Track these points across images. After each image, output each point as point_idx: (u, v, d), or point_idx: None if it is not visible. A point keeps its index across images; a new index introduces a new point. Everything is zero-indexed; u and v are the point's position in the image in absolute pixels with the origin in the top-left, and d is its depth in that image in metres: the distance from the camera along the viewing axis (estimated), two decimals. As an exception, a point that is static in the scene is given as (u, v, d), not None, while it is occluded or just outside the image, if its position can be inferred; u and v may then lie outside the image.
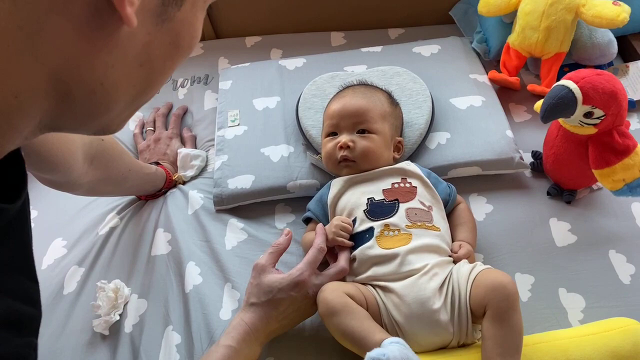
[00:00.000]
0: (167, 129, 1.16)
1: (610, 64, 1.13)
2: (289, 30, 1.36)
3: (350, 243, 0.80)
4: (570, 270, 0.85)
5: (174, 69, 0.44)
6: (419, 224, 0.79)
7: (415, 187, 0.84)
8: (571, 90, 0.78)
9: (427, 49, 1.17)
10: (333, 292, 0.72)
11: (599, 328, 0.74)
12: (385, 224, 0.79)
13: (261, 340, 0.74)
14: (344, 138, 0.87)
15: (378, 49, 1.20)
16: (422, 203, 0.82)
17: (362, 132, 0.88)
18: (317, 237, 0.81)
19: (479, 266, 0.74)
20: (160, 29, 0.39)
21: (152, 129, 1.17)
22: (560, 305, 0.82)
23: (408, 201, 0.82)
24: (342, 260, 0.79)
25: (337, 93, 0.97)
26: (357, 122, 0.88)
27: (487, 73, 1.12)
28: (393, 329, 0.73)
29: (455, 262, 0.78)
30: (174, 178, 1.07)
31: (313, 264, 0.77)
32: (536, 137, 1.01)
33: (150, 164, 1.05)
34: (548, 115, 0.81)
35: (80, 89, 0.37)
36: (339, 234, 0.80)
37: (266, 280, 0.75)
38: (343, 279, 0.80)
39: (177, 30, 0.40)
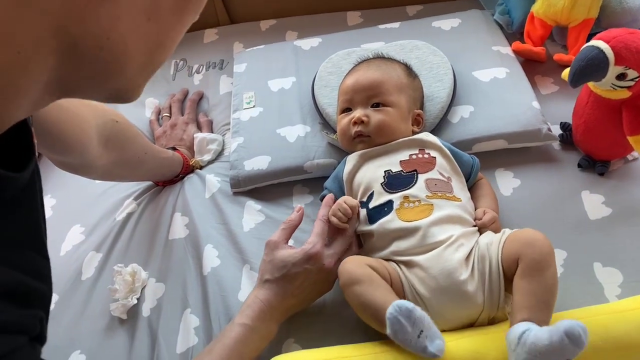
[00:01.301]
0: (183, 115, 1.15)
1: (643, 30, 1.07)
2: (304, 12, 1.34)
3: (344, 226, 0.77)
4: (605, 243, 0.80)
5: (184, 26, 0.42)
6: (440, 194, 0.76)
7: (434, 157, 0.81)
8: (602, 50, 0.73)
9: (447, 23, 1.13)
10: (355, 263, 0.70)
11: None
12: (405, 196, 0.76)
13: (277, 317, 0.72)
14: (357, 113, 0.84)
15: (396, 25, 1.16)
16: (441, 174, 0.79)
17: (376, 105, 0.84)
18: (322, 208, 0.79)
19: (509, 231, 0.71)
20: None
21: (168, 115, 1.16)
22: (595, 280, 0.77)
23: (427, 172, 0.78)
24: (349, 228, 0.78)
25: (352, 68, 0.93)
26: (371, 96, 0.85)
27: (510, 45, 1.07)
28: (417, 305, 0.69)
29: (480, 230, 0.75)
30: (191, 163, 1.05)
31: (322, 235, 0.76)
32: (565, 109, 0.96)
33: (167, 149, 1.04)
34: (577, 78, 0.76)
35: (87, 43, 0.35)
36: (336, 213, 0.77)
37: (279, 256, 0.74)
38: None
39: None
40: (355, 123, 0.84)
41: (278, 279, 0.72)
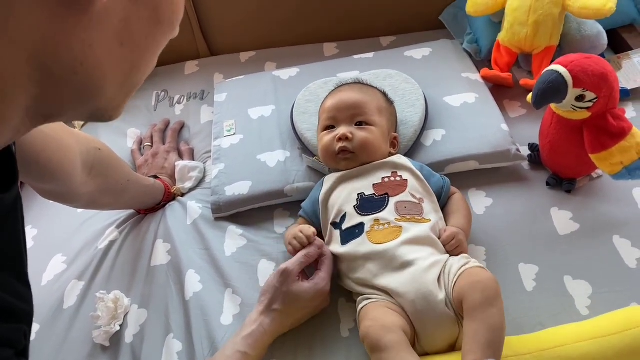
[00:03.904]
0: (164, 144, 1.17)
1: (602, 56, 1.14)
2: (283, 44, 1.38)
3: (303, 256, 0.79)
4: (574, 257, 0.84)
5: (158, 48, 0.43)
6: (409, 217, 0.79)
7: (406, 180, 0.84)
8: (561, 74, 0.78)
9: (418, 52, 1.18)
10: (378, 326, 0.67)
11: (617, 325, 0.69)
12: (375, 219, 0.79)
13: (269, 343, 0.75)
14: (342, 129, 0.87)
15: (370, 55, 1.21)
16: (413, 195, 0.82)
17: (360, 124, 0.88)
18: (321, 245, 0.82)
19: (471, 263, 0.73)
20: (136, 2, 0.38)
21: (149, 144, 1.18)
22: (566, 293, 0.80)
23: (398, 194, 0.81)
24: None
25: (333, 90, 0.97)
26: (355, 114, 0.88)
27: (479, 72, 1.12)
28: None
29: (449, 252, 0.77)
30: (172, 191, 1.07)
31: (331, 271, 0.80)
32: (533, 131, 1.00)
33: (149, 177, 1.05)
34: (540, 100, 0.80)
35: (62, 70, 0.36)
36: (291, 242, 0.82)
37: (294, 289, 0.76)
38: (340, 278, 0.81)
39: (155, 3, 0.39)
40: (340, 139, 0.87)
41: (286, 310, 0.75)
